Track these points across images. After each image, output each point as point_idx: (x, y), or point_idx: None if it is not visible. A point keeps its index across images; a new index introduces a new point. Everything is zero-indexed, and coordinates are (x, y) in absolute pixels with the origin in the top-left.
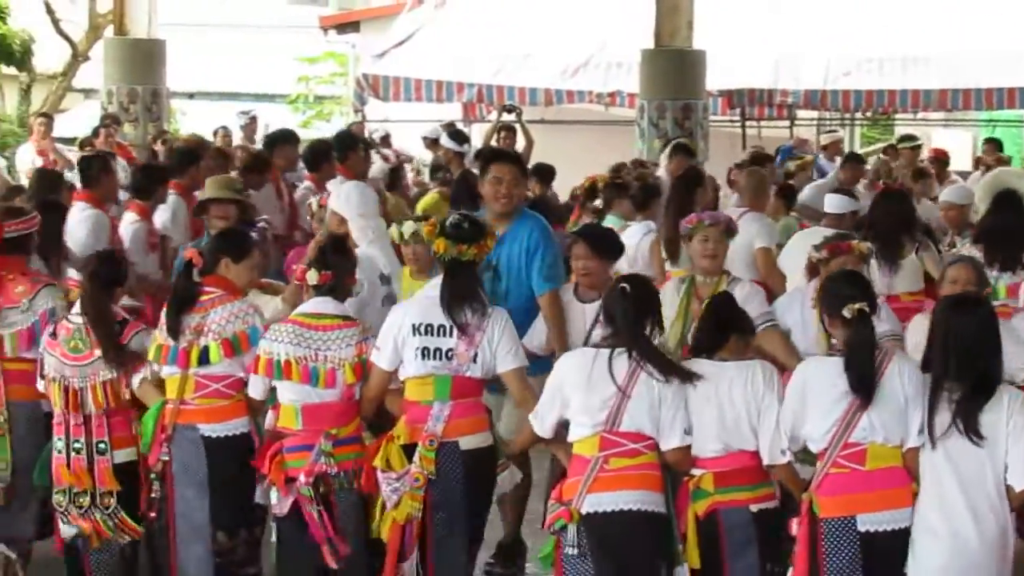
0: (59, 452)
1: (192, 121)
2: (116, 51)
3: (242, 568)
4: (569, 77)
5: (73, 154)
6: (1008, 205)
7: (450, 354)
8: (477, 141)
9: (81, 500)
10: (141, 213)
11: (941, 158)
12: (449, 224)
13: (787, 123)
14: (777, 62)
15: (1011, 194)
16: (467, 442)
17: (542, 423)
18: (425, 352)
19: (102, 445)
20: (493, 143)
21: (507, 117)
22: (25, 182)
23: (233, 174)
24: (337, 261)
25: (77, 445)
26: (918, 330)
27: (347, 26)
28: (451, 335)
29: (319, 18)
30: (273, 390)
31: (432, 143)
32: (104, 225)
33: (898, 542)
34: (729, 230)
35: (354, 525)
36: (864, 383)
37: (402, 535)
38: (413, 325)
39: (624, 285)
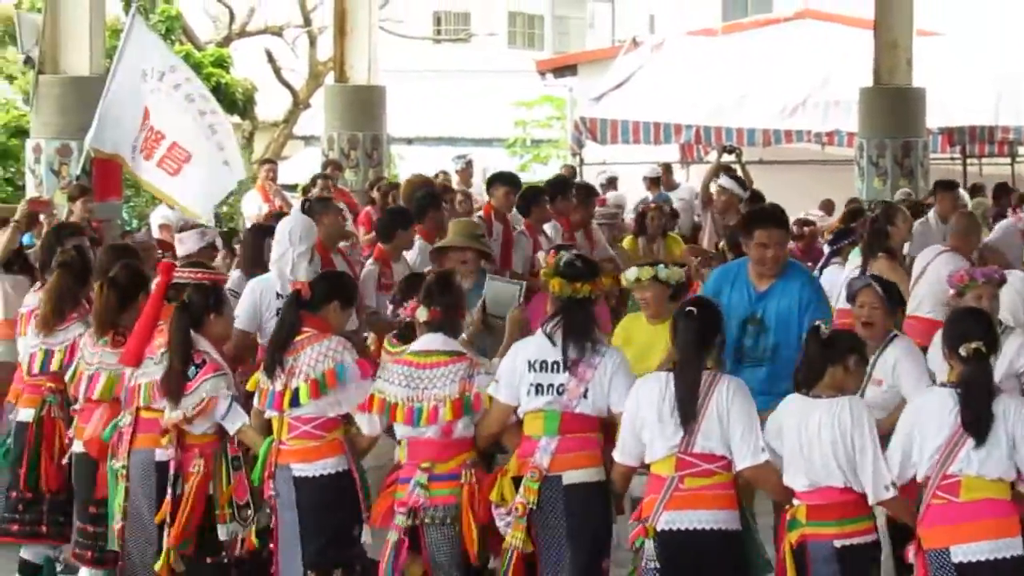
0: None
1: (410, 166)
2: (337, 98)
3: None
4: (787, 117)
5: (296, 200)
6: None
7: (561, 389)
8: (694, 182)
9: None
10: (379, 256)
11: None
12: (564, 263)
13: (1008, 160)
14: (998, 98)
15: None
16: (571, 476)
17: (624, 451)
18: (539, 388)
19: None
20: (712, 188)
21: (727, 158)
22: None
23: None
24: (444, 298)
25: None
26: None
27: (564, 70)
28: (563, 371)
29: (536, 62)
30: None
31: (652, 183)
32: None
33: (999, 572)
34: (1000, 283)
35: (448, 560)
36: (977, 422)
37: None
38: (528, 361)
39: (691, 308)
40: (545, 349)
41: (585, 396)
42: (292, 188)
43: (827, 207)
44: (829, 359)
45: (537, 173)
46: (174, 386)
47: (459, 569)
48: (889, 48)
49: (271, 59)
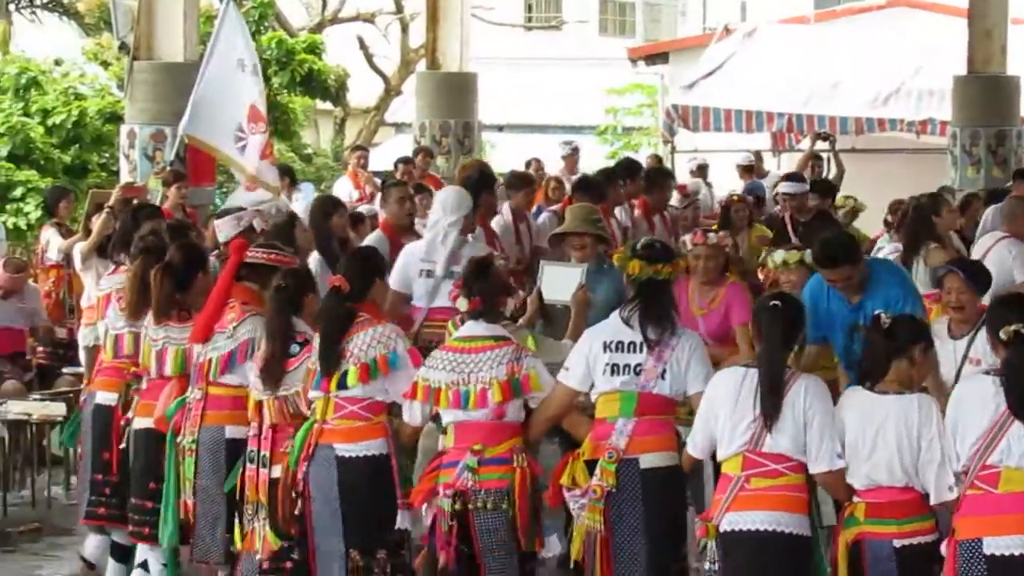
0: (251, 463)
1: (501, 153)
2: (428, 85)
3: None
4: (880, 105)
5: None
6: None
7: (638, 369)
8: (784, 171)
9: (248, 510)
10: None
11: None
12: (641, 247)
13: None
14: None
15: None
16: (648, 460)
17: (694, 444)
18: (614, 368)
19: (264, 457)
20: (806, 173)
21: (820, 145)
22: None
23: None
24: (481, 286)
25: (252, 455)
26: None
27: (655, 57)
28: (640, 351)
29: (627, 50)
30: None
31: (745, 171)
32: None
33: None
34: None
35: (498, 545)
36: (1012, 403)
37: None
38: (604, 343)
39: (776, 303)
40: (622, 331)
41: (663, 377)
42: (383, 175)
43: None
44: (893, 352)
45: None
46: (276, 371)
47: (510, 554)
48: (983, 36)
49: (363, 46)
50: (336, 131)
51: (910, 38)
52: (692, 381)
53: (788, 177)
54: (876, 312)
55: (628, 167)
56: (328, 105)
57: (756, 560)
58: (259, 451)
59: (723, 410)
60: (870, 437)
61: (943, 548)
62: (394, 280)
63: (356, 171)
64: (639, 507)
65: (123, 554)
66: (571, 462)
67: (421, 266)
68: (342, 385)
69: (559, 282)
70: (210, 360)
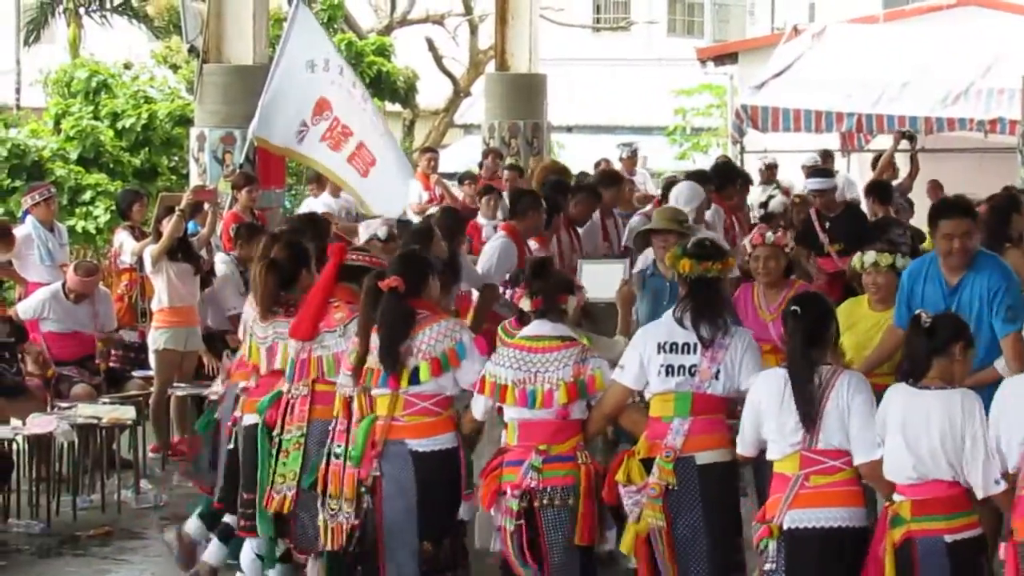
0: (336, 458)
1: (570, 154)
2: (497, 86)
3: (444, 573)
4: (949, 104)
5: (456, 189)
6: None
7: (693, 370)
8: (854, 171)
9: (332, 505)
10: (509, 232)
11: None
12: (691, 245)
13: None
14: None
15: None
16: (704, 457)
17: (744, 443)
18: (669, 369)
19: (353, 452)
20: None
21: (904, 144)
22: (412, 217)
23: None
24: (541, 285)
25: (338, 450)
26: None
27: (724, 58)
28: (694, 352)
29: (696, 50)
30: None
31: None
32: (511, 254)
33: None
34: None
35: (562, 541)
36: None
37: (649, 548)
38: (659, 344)
39: (795, 308)
40: (675, 331)
41: (716, 377)
42: (452, 176)
43: None
44: (934, 351)
45: (697, 161)
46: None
47: (574, 549)
48: None
49: (432, 47)
50: (405, 133)
51: (979, 37)
52: (746, 378)
53: (815, 172)
54: (917, 312)
55: (723, 170)
56: (397, 107)
57: (821, 557)
58: (347, 446)
59: (770, 411)
60: (913, 432)
61: (1001, 551)
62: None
63: (426, 173)
64: (698, 503)
65: (228, 536)
66: (626, 459)
67: None
68: (414, 381)
69: (600, 280)
70: (320, 357)
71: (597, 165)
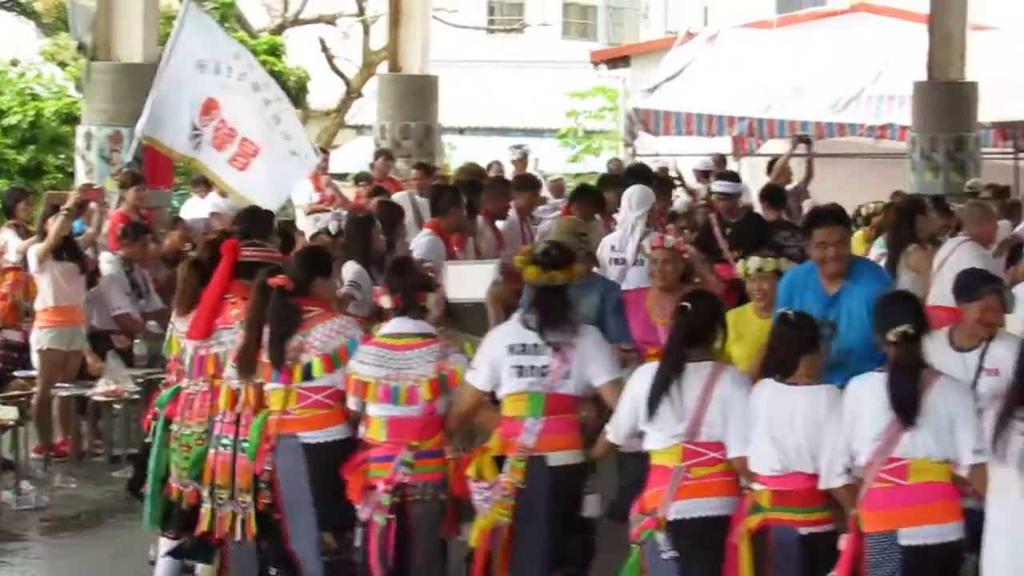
0: (224, 448)
1: (462, 156)
2: (389, 87)
3: (355, 567)
4: (841, 110)
5: (347, 190)
6: None
7: (544, 370)
8: (745, 175)
9: (221, 495)
10: (434, 229)
11: None
12: (540, 252)
13: None
14: None
15: None
16: (556, 458)
17: (617, 432)
18: (520, 370)
19: (245, 444)
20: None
21: (800, 148)
22: (301, 217)
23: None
24: (400, 283)
25: (225, 441)
26: None
27: (617, 61)
28: (545, 352)
29: (589, 53)
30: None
31: (702, 175)
32: (438, 251)
33: (942, 556)
34: None
35: (428, 533)
36: (904, 404)
37: (491, 544)
38: (509, 345)
39: (686, 304)
40: (525, 334)
41: (567, 377)
42: (343, 177)
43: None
44: (803, 348)
45: (589, 164)
46: (252, 360)
47: (439, 542)
48: (943, 42)
49: (324, 48)
50: None
51: (871, 43)
52: (596, 374)
53: (723, 175)
54: (782, 310)
55: (639, 172)
56: None
57: (706, 545)
58: (235, 438)
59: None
60: (779, 426)
61: (842, 542)
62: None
63: (317, 173)
64: (546, 502)
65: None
66: (479, 455)
67: (612, 255)
68: (307, 376)
69: (468, 280)
70: (217, 354)
71: (489, 167)
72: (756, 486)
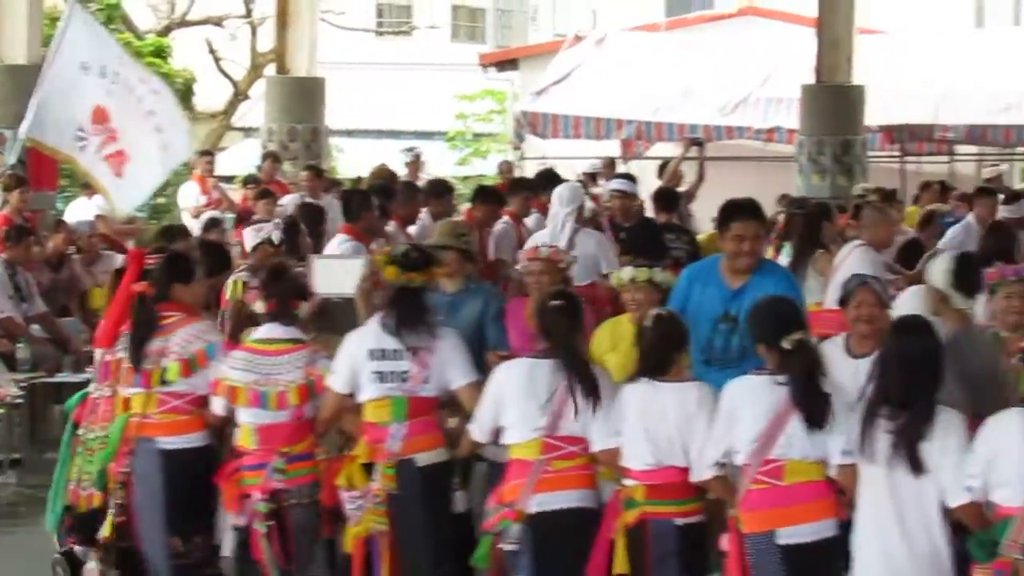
0: None
1: (350, 158)
2: (276, 89)
3: (200, 570)
4: (728, 113)
5: (234, 192)
6: None
7: (405, 376)
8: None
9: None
10: (351, 233)
11: None
12: (399, 254)
13: (947, 159)
14: (937, 97)
15: None
16: (423, 458)
17: (480, 429)
18: (381, 376)
19: None
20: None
21: (692, 151)
22: (188, 219)
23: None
24: (274, 289)
25: None
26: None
27: (506, 64)
28: (405, 358)
29: (478, 56)
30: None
31: (590, 178)
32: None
33: (820, 553)
34: None
35: (310, 535)
36: (813, 409)
37: (367, 550)
38: (369, 350)
39: (558, 302)
40: (384, 338)
41: (427, 381)
42: (230, 179)
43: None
44: (675, 347)
45: (477, 167)
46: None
47: (320, 544)
48: (830, 46)
49: (211, 49)
50: None
51: (759, 47)
52: (454, 377)
53: (619, 175)
54: (655, 311)
55: (549, 177)
56: None
57: (567, 536)
58: None
59: (514, 399)
60: (652, 423)
61: (724, 542)
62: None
63: (203, 175)
64: (420, 503)
65: None
66: (347, 463)
67: None
68: (164, 380)
69: (337, 275)
70: (121, 359)
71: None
72: (629, 481)
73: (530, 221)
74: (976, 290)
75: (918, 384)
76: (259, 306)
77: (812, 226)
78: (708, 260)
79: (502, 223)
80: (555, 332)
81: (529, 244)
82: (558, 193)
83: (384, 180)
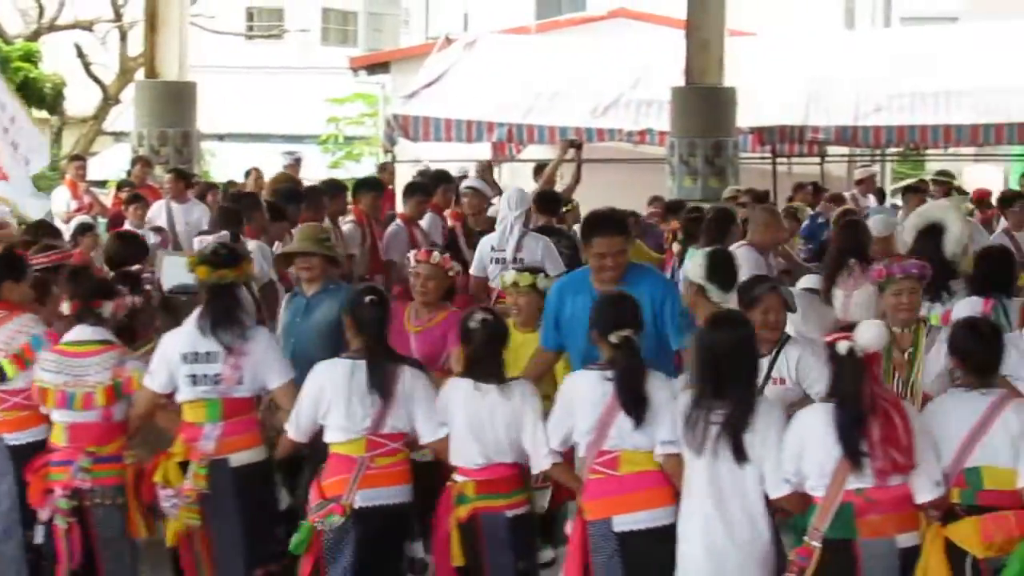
0: None
1: (222, 163)
2: (147, 94)
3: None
4: (599, 115)
5: (105, 197)
6: (928, 238)
7: (217, 378)
8: (506, 180)
9: None
10: (252, 235)
11: (983, 198)
12: (209, 252)
13: (818, 160)
14: (808, 98)
15: (933, 227)
16: (237, 459)
17: (299, 428)
18: (194, 379)
19: None
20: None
21: (570, 154)
22: (60, 225)
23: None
24: (75, 290)
25: None
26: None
27: (377, 67)
28: (217, 360)
29: (349, 59)
30: None
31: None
32: (267, 256)
33: (655, 540)
34: (921, 276)
35: (112, 535)
36: (635, 403)
37: (190, 543)
38: (182, 354)
39: (372, 296)
40: (198, 341)
41: (241, 382)
42: (101, 184)
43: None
44: (501, 346)
45: (350, 170)
46: None
47: (127, 543)
48: (701, 48)
49: (81, 54)
50: (53, 140)
51: (630, 49)
52: (270, 378)
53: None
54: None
55: (441, 178)
56: (44, 114)
57: (389, 530)
58: None
59: (337, 399)
60: (478, 424)
61: (568, 527)
62: (474, 268)
63: (75, 180)
64: (234, 504)
65: None
66: (164, 461)
67: (493, 255)
68: (2, 378)
69: (182, 270)
70: None
71: (247, 174)
72: (459, 477)
73: (424, 223)
74: (732, 284)
75: (736, 376)
76: (65, 307)
77: (719, 229)
78: (578, 271)
79: (395, 225)
80: (369, 330)
81: (480, 246)
82: (507, 197)
83: (290, 185)
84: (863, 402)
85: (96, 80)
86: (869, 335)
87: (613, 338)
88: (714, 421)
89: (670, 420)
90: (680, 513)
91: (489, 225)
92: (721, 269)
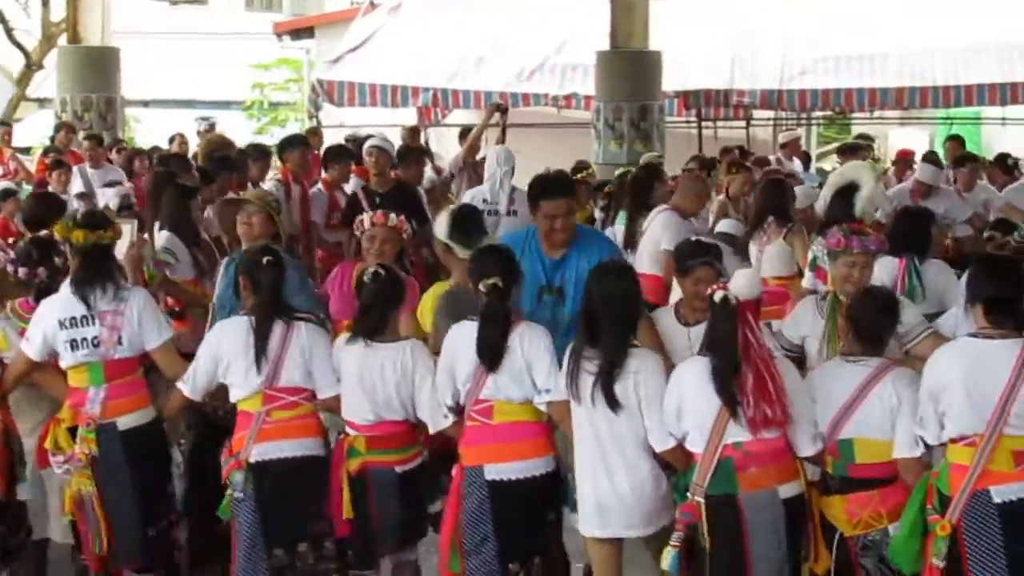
0: None
1: (146, 129)
2: (70, 59)
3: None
4: (524, 80)
5: (30, 163)
6: (840, 197)
7: (96, 341)
8: (433, 146)
9: None
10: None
11: (906, 158)
12: (81, 216)
13: (743, 123)
14: (733, 62)
15: (850, 186)
16: (125, 421)
17: (194, 387)
18: (73, 344)
19: None
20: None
21: (495, 118)
22: None
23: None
24: None
25: None
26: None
27: (301, 32)
28: (94, 323)
29: (273, 24)
30: None
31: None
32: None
33: (527, 490)
34: (876, 254)
35: None
36: (491, 352)
37: (84, 511)
38: (59, 320)
39: (269, 257)
40: (74, 306)
41: (120, 343)
42: (26, 151)
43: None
44: (393, 305)
45: (275, 136)
46: None
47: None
48: (626, 11)
49: (2, 19)
50: None
51: (555, 13)
52: (148, 337)
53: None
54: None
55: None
56: None
57: (288, 483)
58: None
59: (236, 358)
60: (369, 382)
61: (455, 470)
62: None
63: (0, 147)
64: (124, 467)
65: None
66: (53, 427)
67: (486, 207)
68: None
69: None
70: None
71: (171, 140)
72: (351, 431)
73: (349, 188)
74: (475, 238)
75: (609, 325)
76: None
77: (642, 189)
78: (521, 232)
79: (316, 188)
80: (263, 290)
81: (466, 198)
82: (495, 152)
83: (225, 152)
84: (737, 348)
85: (18, 46)
86: (742, 282)
87: (482, 286)
88: (588, 370)
89: (546, 369)
90: (576, 461)
91: (391, 187)
92: (463, 226)
